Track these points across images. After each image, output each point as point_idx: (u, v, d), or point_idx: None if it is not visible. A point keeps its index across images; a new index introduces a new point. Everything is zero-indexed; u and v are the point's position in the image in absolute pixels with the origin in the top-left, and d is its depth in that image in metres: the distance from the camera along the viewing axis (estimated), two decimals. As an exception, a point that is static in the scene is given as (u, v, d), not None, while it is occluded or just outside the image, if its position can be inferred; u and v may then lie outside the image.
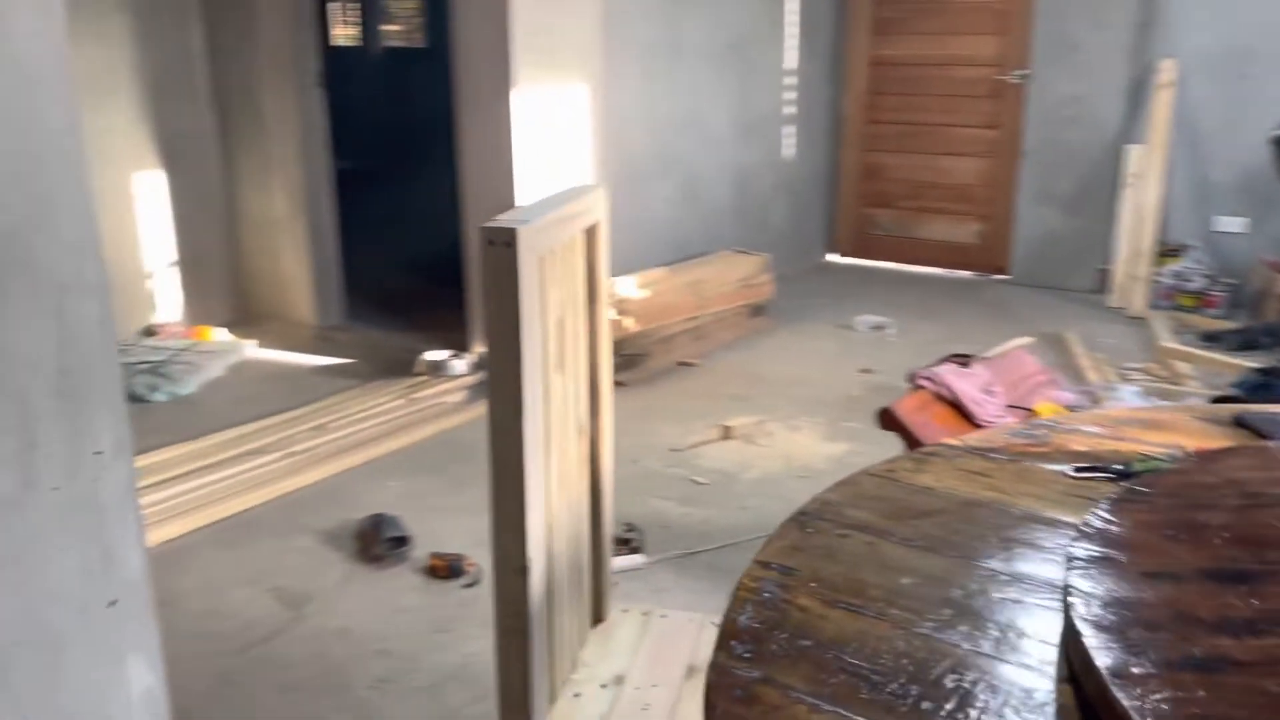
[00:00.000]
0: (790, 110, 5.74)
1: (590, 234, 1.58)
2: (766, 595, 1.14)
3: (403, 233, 5.91)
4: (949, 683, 0.99)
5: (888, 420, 2.41)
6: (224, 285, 4.93)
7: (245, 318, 4.96)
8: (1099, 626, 0.97)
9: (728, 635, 1.07)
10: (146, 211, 4.56)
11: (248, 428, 3.68)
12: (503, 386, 1.27)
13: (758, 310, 5.10)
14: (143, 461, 3.36)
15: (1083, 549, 1.10)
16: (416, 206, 5.02)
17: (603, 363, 1.67)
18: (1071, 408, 2.75)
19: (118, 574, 0.91)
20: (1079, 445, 1.52)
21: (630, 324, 4.29)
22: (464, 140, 4.18)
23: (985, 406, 2.51)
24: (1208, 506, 1.20)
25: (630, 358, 4.37)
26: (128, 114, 4.44)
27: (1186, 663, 0.89)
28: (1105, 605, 1.00)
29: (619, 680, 1.55)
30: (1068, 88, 5.35)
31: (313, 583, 2.71)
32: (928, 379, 2.55)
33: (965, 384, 2.54)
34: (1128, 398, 3.03)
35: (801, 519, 1.31)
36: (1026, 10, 5.41)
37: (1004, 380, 2.73)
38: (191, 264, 4.76)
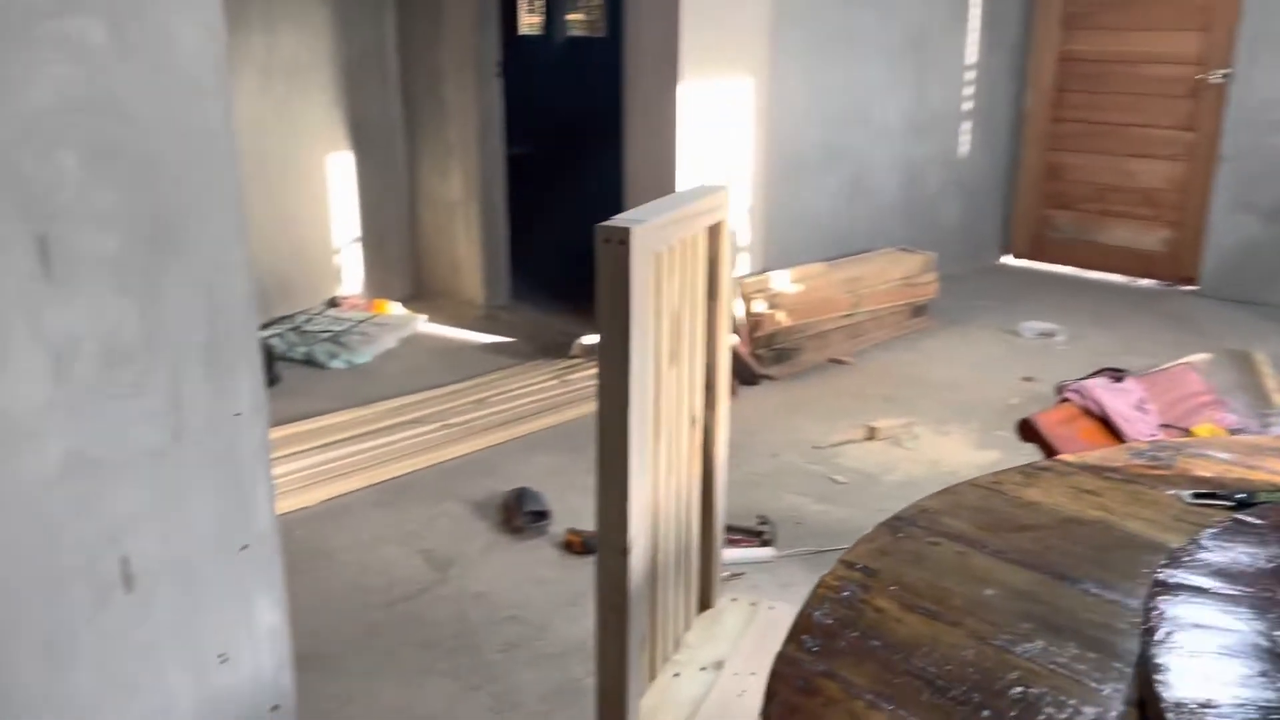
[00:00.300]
0: (968, 106, 5.58)
1: (713, 232, 1.63)
2: (845, 594, 1.17)
3: (571, 217, 6.09)
4: (1014, 694, 1.00)
5: (1027, 432, 2.36)
6: (403, 262, 5.22)
7: (421, 294, 5.24)
8: (1171, 654, 0.96)
9: (800, 629, 1.11)
10: (336, 190, 4.88)
11: (413, 398, 3.90)
12: (612, 380, 1.34)
13: (920, 310, 5.00)
14: (315, 424, 3.63)
15: (1170, 574, 1.08)
16: (587, 192, 5.14)
17: (720, 356, 1.72)
18: (1236, 431, 2.61)
19: (250, 523, 1.03)
20: (1204, 470, 1.47)
21: (782, 318, 4.30)
22: (630, 129, 4.28)
23: (1136, 424, 2.41)
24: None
25: (781, 351, 4.38)
26: (324, 99, 4.76)
27: (1254, 705, 0.87)
28: (1182, 632, 0.99)
29: (719, 665, 1.60)
30: (1275, 90, 4.99)
31: (457, 548, 2.87)
32: (1075, 392, 2.48)
33: (1116, 399, 2.45)
34: (1301, 425, 2.84)
35: (895, 524, 1.33)
36: (1231, 6, 5.08)
37: (1162, 398, 2.61)
38: (374, 241, 5.06)
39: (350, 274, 5.02)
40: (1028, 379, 4.21)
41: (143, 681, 0.96)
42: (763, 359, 4.31)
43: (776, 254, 4.65)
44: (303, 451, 3.42)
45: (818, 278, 4.63)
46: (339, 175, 4.88)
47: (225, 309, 0.97)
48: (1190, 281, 5.49)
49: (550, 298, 5.20)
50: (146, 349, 0.90)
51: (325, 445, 3.44)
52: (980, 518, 1.34)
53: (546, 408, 3.85)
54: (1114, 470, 1.47)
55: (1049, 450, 2.30)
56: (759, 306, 4.27)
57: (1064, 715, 0.96)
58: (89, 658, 0.91)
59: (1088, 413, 2.45)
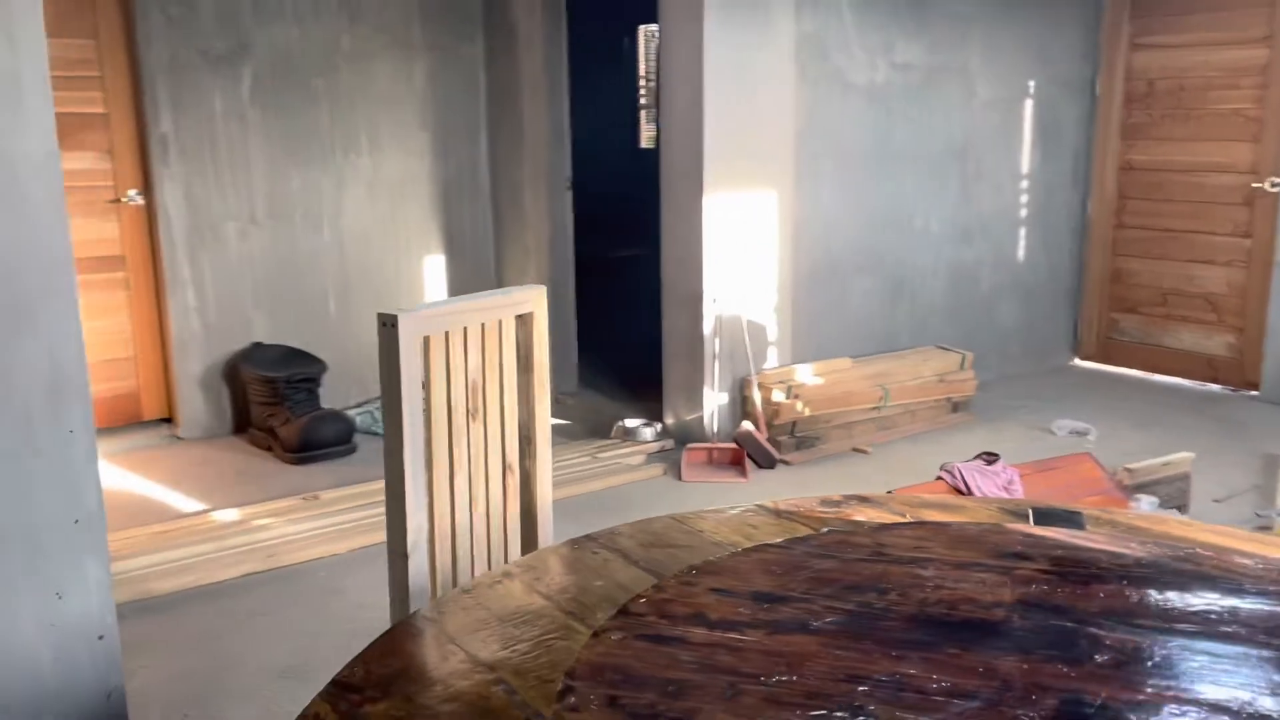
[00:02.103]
0: (1024, 212, 5.81)
1: (524, 320, 2.12)
2: (499, 585, 1.61)
3: (635, 312, 6.64)
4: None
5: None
6: (488, 352, 5.89)
7: (502, 380, 5.87)
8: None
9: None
10: (431, 289, 5.61)
11: (457, 468, 4.48)
12: (392, 429, 1.84)
13: (959, 406, 5.22)
14: (368, 487, 4.24)
15: (694, 570, 1.47)
16: (649, 289, 5.69)
17: (539, 419, 2.18)
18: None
19: (80, 504, 1.57)
20: (859, 515, 1.81)
21: (802, 408, 4.65)
22: (666, 235, 4.81)
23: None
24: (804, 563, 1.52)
25: (803, 438, 4.72)
26: (422, 211, 5.53)
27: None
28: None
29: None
30: (1326, 195, 5.01)
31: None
32: (949, 472, 2.77)
33: (985, 480, 2.72)
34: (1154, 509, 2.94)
35: (581, 540, 1.75)
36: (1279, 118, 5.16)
37: (1046, 482, 2.85)
38: (461, 332, 5.75)
39: (440, 361, 5.71)
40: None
41: (1, 605, 1.52)
42: (782, 445, 4.66)
43: (807, 349, 5.02)
44: (350, 508, 4.04)
45: (843, 371, 4.96)
46: (434, 276, 5.61)
47: (63, 362, 1.53)
48: (1253, 386, 5.45)
49: (615, 386, 5.73)
50: (7, 385, 1.47)
51: (371, 504, 4.05)
52: (644, 538, 1.74)
53: (570, 480, 4.34)
54: (792, 512, 1.84)
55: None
56: (778, 395, 4.65)
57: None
58: None
59: (956, 490, 2.74)
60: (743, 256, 4.72)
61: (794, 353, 4.98)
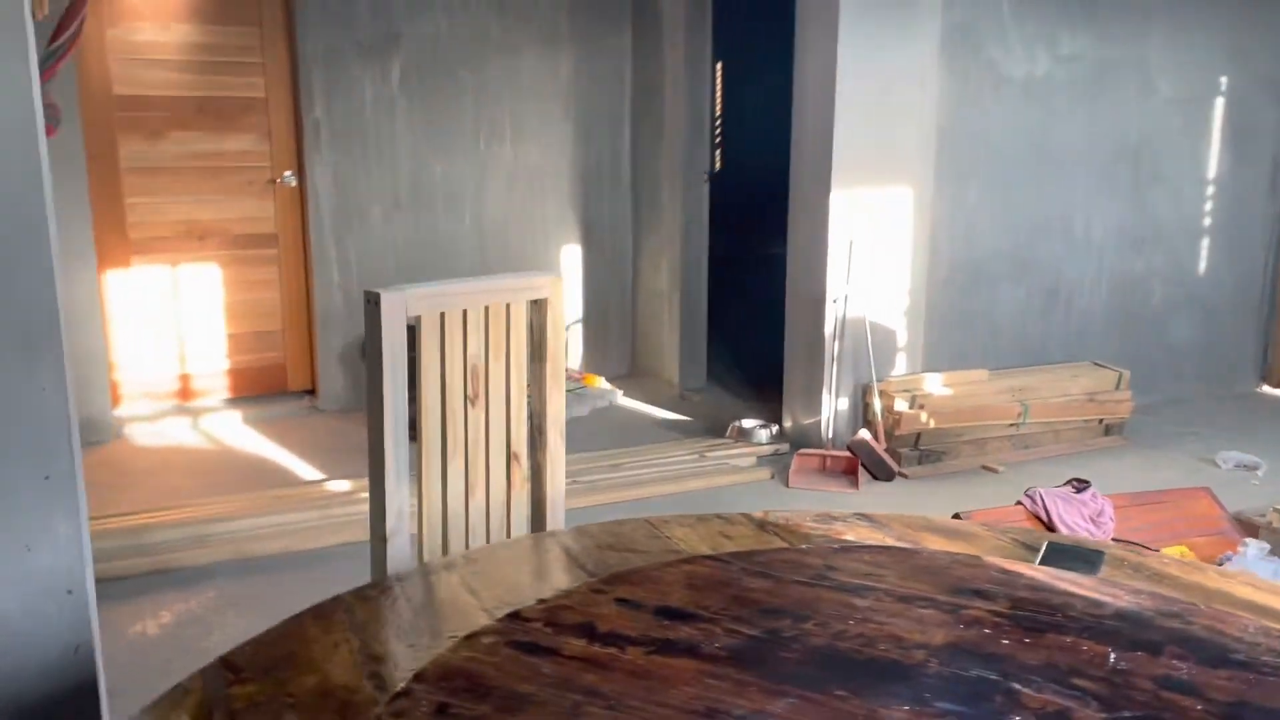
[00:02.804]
0: (1207, 221, 5.27)
1: (538, 306, 2.05)
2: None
3: (773, 311, 6.47)
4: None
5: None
6: (622, 344, 5.88)
7: (634, 373, 5.85)
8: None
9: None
10: (567, 277, 5.65)
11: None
12: (373, 410, 1.82)
13: (1111, 428, 4.79)
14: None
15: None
16: (780, 286, 5.54)
17: (551, 410, 2.11)
18: (1221, 562, 2.47)
19: (52, 461, 1.63)
20: (847, 534, 1.65)
21: (927, 419, 4.38)
22: (792, 232, 4.64)
23: (1078, 533, 2.41)
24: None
25: (926, 452, 4.45)
26: (561, 201, 5.57)
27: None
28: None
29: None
30: None
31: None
32: (1030, 498, 2.52)
33: (1069, 510, 2.47)
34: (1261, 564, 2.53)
35: (538, 536, 1.67)
36: None
37: (1156, 517, 2.55)
38: (595, 323, 5.77)
39: (574, 351, 5.75)
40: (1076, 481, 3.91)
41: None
42: (903, 457, 4.41)
43: (940, 358, 4.73)
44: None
45: (978, 384, 4.64)
46: (570, 265, 5.65)
47: (36, 322, 1.59)
48: None
49: (745, 385, 5.59)
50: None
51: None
52: (607, 540, 1.65)
53: (668, 477, 4.26)
54: (778, 525, 1.70)
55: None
56: (901, 405, 4.40)
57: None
58: None
59: (1036, 517, 2.49)
60: (871, 257, 4.49)
61: (925, 361, 4.70)
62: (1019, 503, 2.53)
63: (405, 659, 1.24)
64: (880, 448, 4.34)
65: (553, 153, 5.51)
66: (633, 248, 5.78)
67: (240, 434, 4.90)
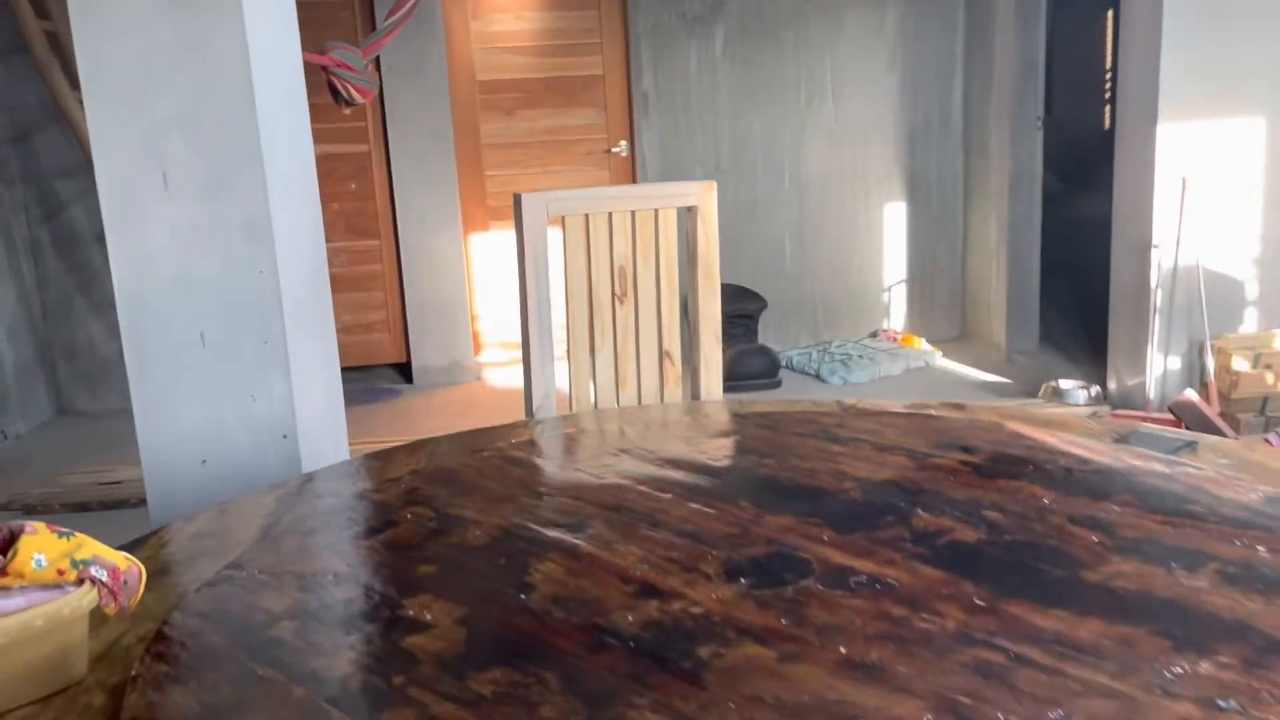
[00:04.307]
0: None
1: (690, 213, 2.16)
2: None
3: (1107, 263, 5.86)
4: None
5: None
6: (951, 305, 5.66)
7: (964, 335, 5.62)
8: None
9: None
10: (891, 237, 5.56)
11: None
12: (521, 295, 2.05)
13: None
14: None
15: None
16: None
17: (705, 313, 2.20)
18: None
19: (269, 329, 2.04)
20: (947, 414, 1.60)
21: (1274, 381, 3.82)
22: (1118, 174, 4.23)
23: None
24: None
25: (1274, 419, 3.87)
26: (885, 156, 5.49)
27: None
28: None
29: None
30: None
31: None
32: (1277, 435, 2.20)
33: (1326, 446, 2.12)
34: None
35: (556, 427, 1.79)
36: None
37: None
38: (921, 283, 5.61)
39: (897, 312, 5.65)
40: None
41: (213, 401, 2.04)
42: (1242, 424, 3.88)
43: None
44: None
45: (1351, 343, 3.94)
46: (893, 224, 5.55)
47: (255, 217, 1.99)
48: None
49: (1080, 345, 5.17)
50: (213, 232, 1.98)
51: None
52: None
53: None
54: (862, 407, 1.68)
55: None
56: (1240, 364, 3.87)
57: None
58: (189, 382, 2.01)
59: (1281, 456, 2.16)
60: (1210, 199, 3.98)
61: (1284, 315, 4.08)
62: (1266, 440, 2.19)
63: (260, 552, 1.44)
64: (1212, 411, 3.85)
65: (876, 107, 5.44)
66: (963, 205, 5.55)
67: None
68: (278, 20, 2.11)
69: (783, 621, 0.88)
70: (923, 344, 5.39)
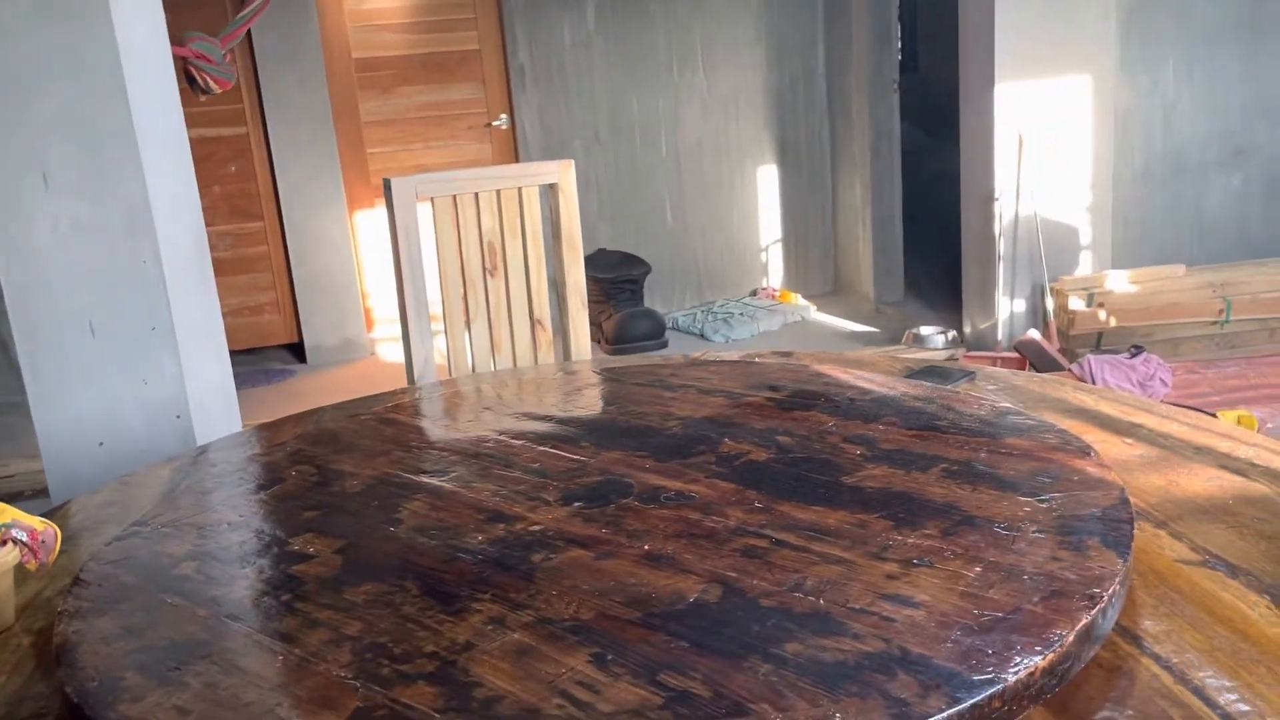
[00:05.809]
0: None
1: (551, 190, 2.35)
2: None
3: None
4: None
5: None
6: (823, 263, 5.97)
7: (836, 290, 5.94)
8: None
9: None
10: (764, 200, 5.83)
11: (736, 363, 4.72)
12: (396, 273, 2.21)
13: (1344, 327, 4.32)
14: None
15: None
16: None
17: (571, 282, 2.40)
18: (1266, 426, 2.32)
19: (156, 317, 2.16)
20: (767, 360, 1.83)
21: (1106, 317, 4.20)
22: (963, 129, 4.55)
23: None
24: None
25: (1113, 353, 4.25)
26: (755, 123, 5.74)
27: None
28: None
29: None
30: None
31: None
32: (1080, 365, 2.50)
33: (1114, 373, 2.43)
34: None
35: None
36: None
37: (1234, 384, 2.45)
38: (795, 242, 5.90)
39: (774, 270, 5.93)
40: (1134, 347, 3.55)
41: (106, 386, 2.16)
42: (1078, 356, 4.25)
43: (1136, 255, 4.48)
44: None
45: (1171, 279, 4.35)
46: (767, 187, 5.82)
47: (136, 212, 2.12)
48: None
49: (941, 294, 5.52)
50: (98, 229, 2.09)
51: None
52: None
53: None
54: (663, 368, 1.90)
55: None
56: (1076, 303, 4.24)
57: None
58: (81, 370, 2.13)
59: (1080, 380, 2.47)
60: (1045, 152, 4.32)
61: (1115, 259, 4.47)
62: (1069, 369, 2.49)
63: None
64: (1052, 348, 4.21)
65: (745, 76, 5.68)
66: (830, 166, 5.84)
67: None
68: (146, 21, 2.22)
69: (603, 531, 1.09)
70: (799, 299, 5.69)
